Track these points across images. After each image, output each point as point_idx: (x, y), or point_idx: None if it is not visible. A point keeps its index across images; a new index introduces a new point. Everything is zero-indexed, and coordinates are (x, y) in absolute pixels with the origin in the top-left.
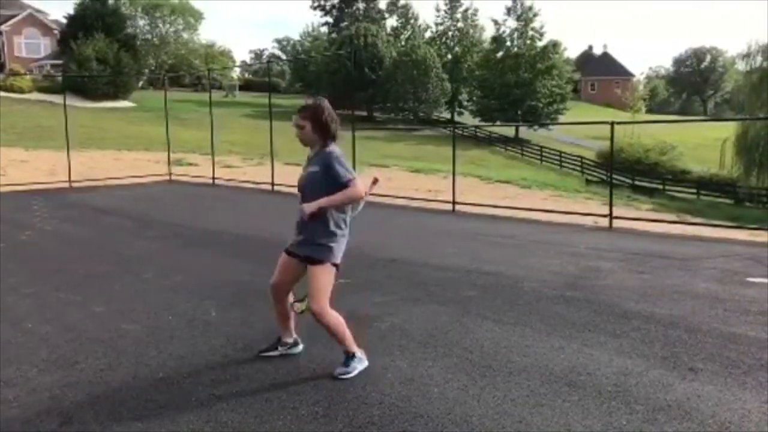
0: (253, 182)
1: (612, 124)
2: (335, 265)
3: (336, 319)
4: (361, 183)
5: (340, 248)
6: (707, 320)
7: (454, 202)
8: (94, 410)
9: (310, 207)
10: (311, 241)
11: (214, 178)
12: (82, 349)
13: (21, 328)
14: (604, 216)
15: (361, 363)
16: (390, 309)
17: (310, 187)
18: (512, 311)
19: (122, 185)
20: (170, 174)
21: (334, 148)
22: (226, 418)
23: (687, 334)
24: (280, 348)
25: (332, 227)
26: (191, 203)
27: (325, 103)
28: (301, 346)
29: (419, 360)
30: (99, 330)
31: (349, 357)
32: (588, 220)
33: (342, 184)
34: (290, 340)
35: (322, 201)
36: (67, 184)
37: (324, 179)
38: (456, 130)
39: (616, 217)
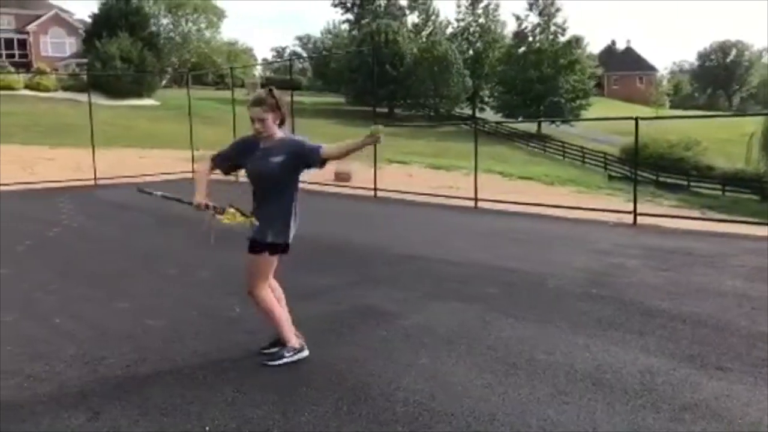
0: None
1: (636, 119)
2: (271, 246)
3: (271, 302)
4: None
5: (281, 229)
6: (735, 318)
7: (476, 199)
8: (122, 405)
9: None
10: (270, 223)
11: (237, 175)
12: (108, 345)
13: (48, 324)
14: (628, 213)
15: (296, 354)
16: (412, 306)
17: (273, 181)
18: (536, 308)
19: (147, 183)
20: (193, 171)
21: (286, 131)
22: (251, 414)
23: (714, 333)
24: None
25: (292, 208)
26: (215, 200)
27: (277, 92)
28: (306, 352)
29: (443, 357)
30: (124, 326)
31: (283, 345)
32: (611, 217)
33: (315, 149)
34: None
35: (346, 146)
36: (92, 182)
37: (293, 163)
38: (477, 127)
39: (641, 214)
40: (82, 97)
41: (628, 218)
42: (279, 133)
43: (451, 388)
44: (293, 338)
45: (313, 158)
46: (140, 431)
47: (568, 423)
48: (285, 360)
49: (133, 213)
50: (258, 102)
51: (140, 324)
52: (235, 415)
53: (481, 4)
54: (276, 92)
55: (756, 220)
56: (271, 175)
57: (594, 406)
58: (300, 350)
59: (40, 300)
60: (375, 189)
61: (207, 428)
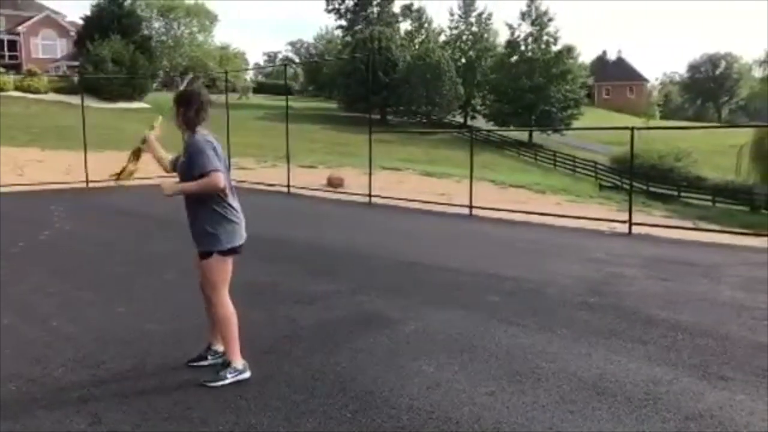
0: (267, 184)
1: (632, 129)
2: (226, 252)
3: (230, 315)
4: (221, 175)
5: (228, 235)
6: (735, 328)
7: (471, 206)
8: (123, 411)
9: (170, 187)
10: (198, 234)
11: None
12: (107, 350)
13: (46, 327)
14: (623, 222)
15: (238, 375)
16: (413, 313)
17: (183, 179)
18: (536, 317)
19: (139, 186)
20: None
21: (200, 136)
22: (255, 420)
23: (715, 342)
24: (209, 357)
25: (216, 215)
26: None
27: (195, 89)
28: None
29: (445, 365)
30: (123, 330)
31: (226, 365)
32: (605, 226)
33: (201, 175)
34: (220, 349)
35: (180, 185)
36: (84, 184)
37: (189, 169)
38: (470, 134)
39: (636, 223)
40: (73, 100)
41: (622, 227)
42: (195, 134)
43: (456, 396)
44: (238, 358)
45: (192, 173)
46: None
47: (573, 431)
48: (227, 381)
49: (128, 216)
50: (176, 96)
51: (140, 328)
52: (238, 421)
53: (474, 13)
54: (194, 89)
55: (752, 231)
56: (180, 176)
57: (599, 414)
58: (242, 371)
59: (37, 303)
60: (370, 195)
61: None
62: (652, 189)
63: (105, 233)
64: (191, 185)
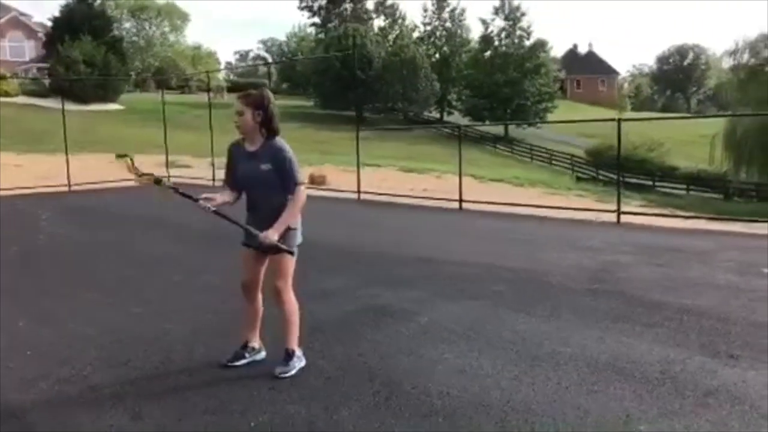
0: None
1: (619, 120)
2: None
3: (295, 307)
4: (305, 189)
5: (296, 233)
6: (735, 310)
7: (461, 201)
8: (160, 407)
9: (271, 236)
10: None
11: (214, 180)
12: (130, 349)
13: (64, 329)
14: (612, 212)
15: (300, 361)
16: (425, 305)
17: (262, 186)
18: (543, 304)
19: (122, 188)
20: (169, 177)
21: (283, 143)
22: (293, 410)
23: (719, 324)
24: (247, 355)
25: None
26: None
27: (269, 93)
28: (264, 353)
29: (465, 352)
30: (142, 330)
31: (290, 354)
32: (593, 216)
33: (293, 185)
34: (256, 345)
35: (280, 225)
36: (66, 188)
37: (277, 178)
38: (447, 130)
39: (624, 212)
40: (45, 102)
41: (608, 217)
42: (275, 142)
43: (482, 381)
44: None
45: (286, 184)
46: (186, 429)
47: (601, 410)
48: (296, 369)
49: (118, 219)
50: (242, 95)
51: (159, 328)
52: (276, 411)
53: (447, 9)
54: (266, 92)
55: (737, 218)
56: (256, 183)
57: (622, 394)
58: (301, 359)
59: (50, 306)
60: (359, 192)
61: (252, 424)
62: (627, 179)
63: (100, 236)
64: (289, 216)
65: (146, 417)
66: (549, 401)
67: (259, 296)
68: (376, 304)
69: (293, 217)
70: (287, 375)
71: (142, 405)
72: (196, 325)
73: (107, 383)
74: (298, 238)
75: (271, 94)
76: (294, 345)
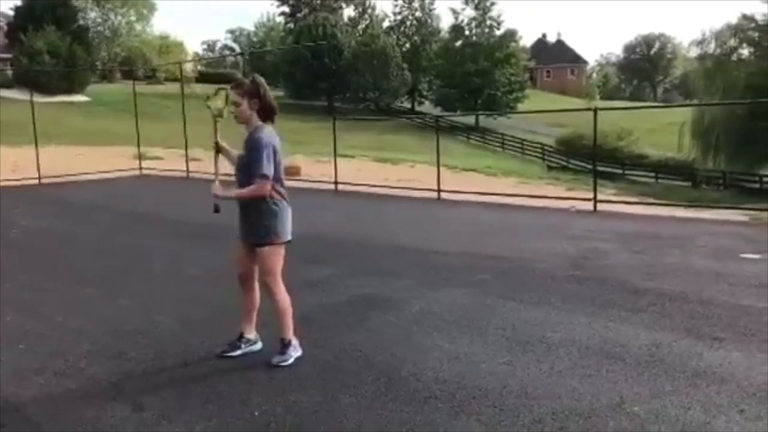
0: (225, 174)
1: (595, 110)
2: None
3: (286, 299)
4: (268, 183)
5: (283, 226)
6: (716, 294)
7: (439, 190)
8: (161, 397)
9: (217, 189)
10: (255, 227)
11: (188, 171)
12: (123, 341)
13: (53, 323)
14: (589, 200)
15: (296, 351)
16: (412, 293)
17: (241, 173)
18: (530, 291)
19: (94, 180)
20: (140, 168)
21: (263, 134)
22: (294, 398)
23: (701, 307)
24: (243, 346)
25: (269, 208)
26: (172, 197)
27: (261, 80)
28: (260, 344)
29: (457, 339)
30: (133, 322)
31: (285, 344)
32: (569, 204)
33: (253, 175)
34: (252, 336)
35: (232, 192)
36: (36, 181)
37: (247, 166)
38: (419, 120)
39: (600, 201)
40: (7, 94)
41: (584, 205)
42: (260, 130)
43: (477, 366)
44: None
45: (252, 171)
46: (189, 418)
47: (595, 393)
48: (292, 359)
49: (92, 211)
50: (236, 85)
51: (149, 320)
52: (278, 399)
53: None
54: (259, 79)
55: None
56: (237, 171)
57: (614, 376)
58: (297, 348)
59: (35, 299)
60: (336, 183)
61: (256, 413)
62: (599, 168)
63: (77, 229)
64: (242, 193)
65: (148, 408)
66: (544, 385)
67: (256, 288)
68: (365, 294)
69: (243, 195)
70: (284, 364)
71: (143, 396)
72: (186, 316)
73: (105, 375)
74: (286, 235)
75: (262, 80)
76: (289, 335)
